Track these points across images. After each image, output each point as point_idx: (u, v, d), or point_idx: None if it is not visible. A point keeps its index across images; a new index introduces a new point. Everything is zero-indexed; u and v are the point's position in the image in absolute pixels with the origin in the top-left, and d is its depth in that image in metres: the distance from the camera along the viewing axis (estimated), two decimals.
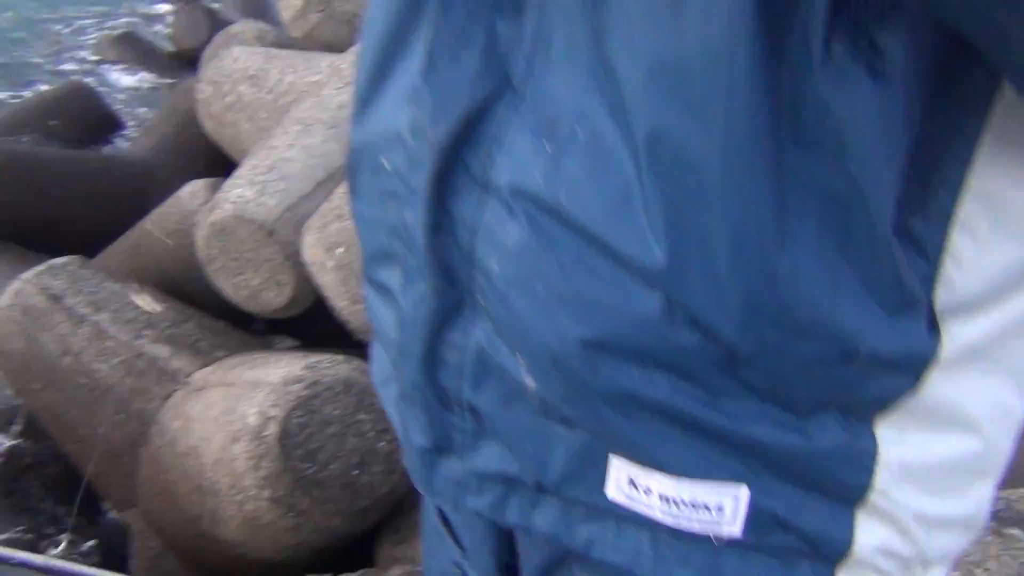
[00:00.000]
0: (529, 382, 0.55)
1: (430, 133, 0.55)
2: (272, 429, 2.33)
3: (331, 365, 2.48)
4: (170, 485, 2.56)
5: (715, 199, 0.45)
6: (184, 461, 2.51)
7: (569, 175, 0.49)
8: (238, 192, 2.90)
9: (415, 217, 0.57)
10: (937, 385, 0.53)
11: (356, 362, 2.53)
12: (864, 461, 0.54)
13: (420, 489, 0.69)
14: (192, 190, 3.30)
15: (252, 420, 2.35)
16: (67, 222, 3.79)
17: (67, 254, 3.43)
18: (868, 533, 0.56)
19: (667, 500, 0.55)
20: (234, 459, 2.35)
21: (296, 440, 2.34)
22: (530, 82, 0.51)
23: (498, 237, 0.53)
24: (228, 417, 2.43)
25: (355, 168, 0.67)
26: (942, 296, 0.51)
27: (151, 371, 2.75)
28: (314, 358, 2.52)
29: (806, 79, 0.43)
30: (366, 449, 2.43)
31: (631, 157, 0.47)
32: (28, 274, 2.89)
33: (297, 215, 2.88)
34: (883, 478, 0.54)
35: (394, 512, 2.53)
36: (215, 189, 3.14)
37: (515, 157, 0.52)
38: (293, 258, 2.85)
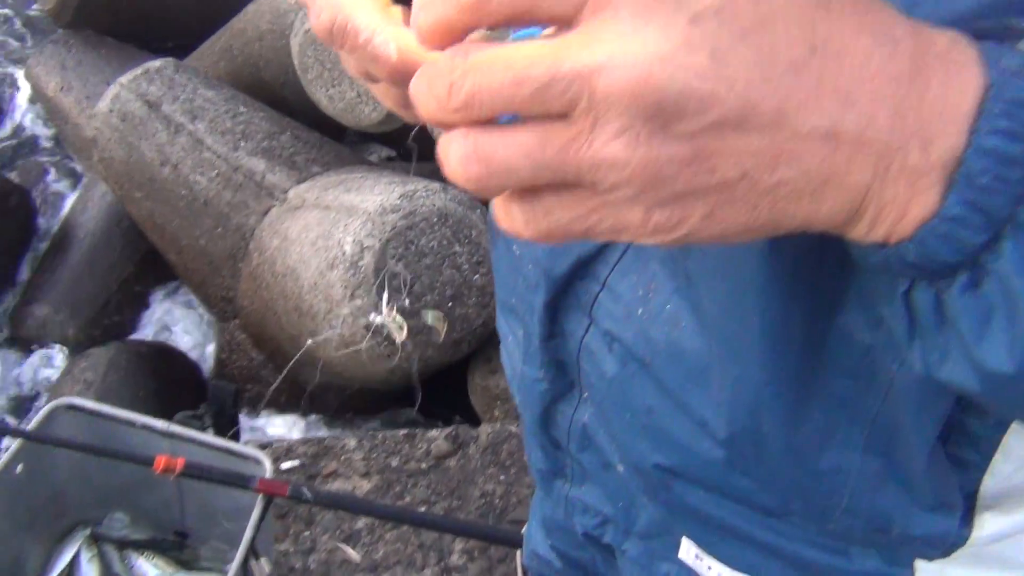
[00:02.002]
0: (619, 467, 0.71)
1: (546, 266, 0.67)
2: (368, 259, 2.55)
3: (428, 195, 2.65)
4: (270, 303, 2.86)
5: (768, 412, 0.55)
6: (283, 281, 2.79)
7: (655, 343, 0.60)
8: None
9: (533, 325, 0.71)
10: (979, 546, 0.59)
11: (453, 191, 2.69)
12: None
13: (540, 491, 0.88)
14: None
15: (348, 248, 2.58)
16: (160, 11, 3.95)
17: (160, 46, 3.64)
18: None
19: None
20: (331, 286, 2.60)
21: (392, 271, 2.56)
22: (635, 248, 0.61)
23: (598, 360, 0.66)
24: (325, 242, 2.66)
25: (493, 226, 0.77)
26: (988, 484, 0.56)
27: (248, 185, 2.99)
28: (411, 186, 2.69)
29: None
30: (461, 281, 2.64)
31: (707, 350, 0.57)
32: (125, 78, 3.11)
33: None
34: None
35: (487, 343, 2.77)
36: None
37: (614, 309, 0.63)
38: None
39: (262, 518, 1.52)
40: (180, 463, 1.50)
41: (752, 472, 0.60)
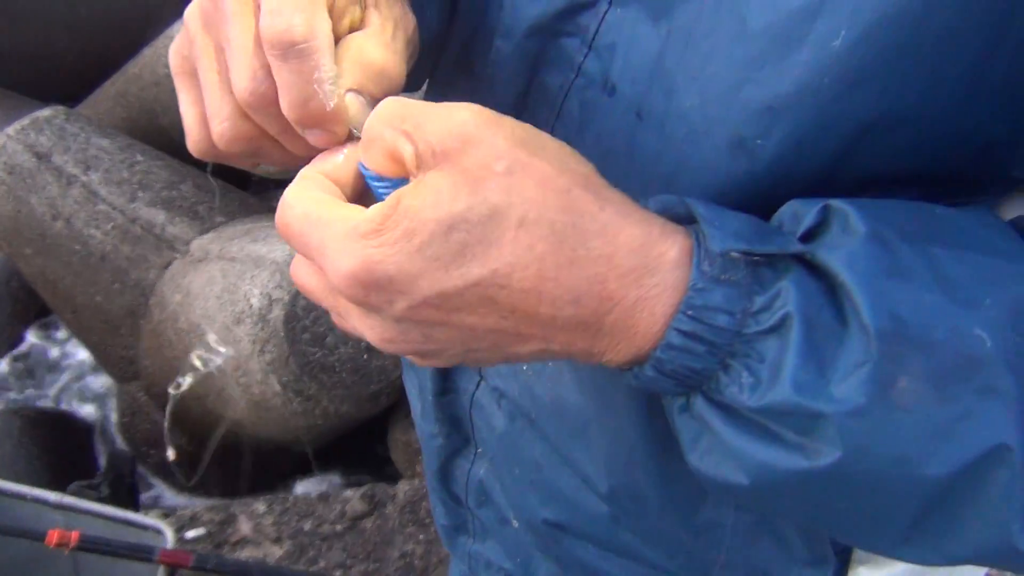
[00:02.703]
0: (514, 523, 0.75)
1: None
2: (277, 312, 2.53)
3: None
4: (173, 362, 2.82)
5: (643, 467, 0.60)
6: (187, 338, 2.75)
7: (540, 399, 0.65)
8: None
9: (426, 381, 0.75)
10: None
11: None
12: None
13: (445, 547, 0.92)
14: None
15: (256, 302, 2.56)
16: (49, 56, 3.91)
17: (50, 92, 3.59)
18: None
19: None
20: (238, 341, 2.58)
21: (302, 323, 2.55)
22: None
23: (488, 416, 0.71)
24: (231, 296, 2.64)
25: None
26: None
27: (147, 238, 2.96)
28: None
29: None
30: None
31: (586, 406, 0.61)
32: (11, 128, 3.05)
33: None
34: None
35: (406, 395, 2.76)
36: None
37: (501, 366, 0.67)
38: None
39: None
40: (75, 536, 1.47)
41: (636, 527, 0.64)
